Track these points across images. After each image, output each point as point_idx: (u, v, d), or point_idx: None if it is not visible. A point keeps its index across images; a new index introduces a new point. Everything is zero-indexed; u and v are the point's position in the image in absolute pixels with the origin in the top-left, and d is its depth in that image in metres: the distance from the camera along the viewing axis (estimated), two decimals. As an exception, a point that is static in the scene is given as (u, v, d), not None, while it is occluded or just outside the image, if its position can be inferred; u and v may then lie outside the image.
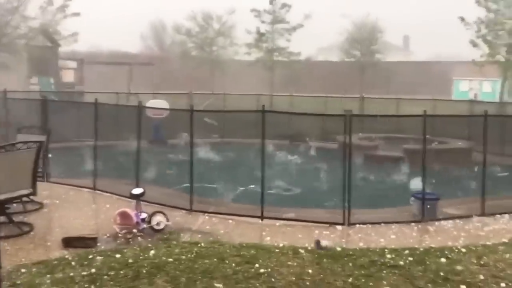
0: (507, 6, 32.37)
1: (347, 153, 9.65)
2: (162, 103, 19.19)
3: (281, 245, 7.90)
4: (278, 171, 14.42)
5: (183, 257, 7.24)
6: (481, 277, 6.71)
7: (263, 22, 39.18)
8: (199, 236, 8.50)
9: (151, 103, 18.49)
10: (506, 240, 8.43)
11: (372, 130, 19.01)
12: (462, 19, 33.18)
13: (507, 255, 7.57)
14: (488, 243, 8.30)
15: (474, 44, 33.40)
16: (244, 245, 7.88)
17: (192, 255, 7.32)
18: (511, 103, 24.03)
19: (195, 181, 10.50)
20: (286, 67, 41.08)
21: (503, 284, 6.52)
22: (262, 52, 40.97)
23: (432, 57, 56.60)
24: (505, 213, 10.10)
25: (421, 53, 62.47)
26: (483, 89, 39.14)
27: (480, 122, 10.90)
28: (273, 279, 6.52)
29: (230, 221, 9.47)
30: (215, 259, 7.16)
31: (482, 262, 7.26)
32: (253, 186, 11.69)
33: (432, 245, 8.11)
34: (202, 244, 7.86)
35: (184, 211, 9.98)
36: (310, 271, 6.83)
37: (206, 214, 9.78)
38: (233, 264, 6.99)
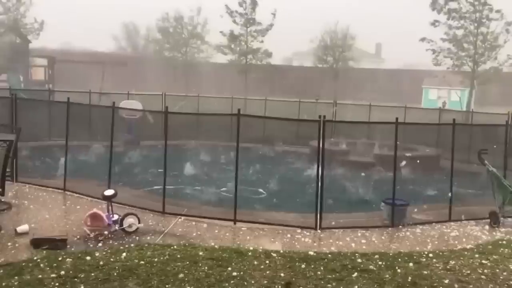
0: (471, 21, 33.41)
1: (320, 157, 9.77)
2: (135, 104, 19.01)
3: (253, 248, 7.95)
4: (252, 174, 14.48)
5: (155, 259, 7.21)
6: (447, 281, 6.91)
7: (235, 22, 39.34)
8: (172, 238, 8.46)
9: (125, 103, 18.28)
10: (471, 246, 8.69)
11: (344, 135, 19.27)
12: (423, 39, 34.10)
13: (472, 260, 7.82)
14: (454, 248, 8.55)
15: (436, 63, 34.56)
16: (217, 248, 7.91)
17: (165, 258, 7.29)
18: (477, 112, 24.76)
19: (168, 184, 10.45)
20: (259, 70, 41.29)
21: (468, 288, 6.73)
22: (236, 54, 41.10)
23: (403, 65, 57.77)
24: (471, 219, 10.40)
25: (393, 61, 63.62)
26: (451, 98, 40.20)
27: (449, 130, 11.21)
28: (245, 283, 6.56)
29: (203, 224, 9.45)
30: (187, 262, 7.16)
31: (448, 267, 7.48)
32: (225, 189, 11.72)
33: (401, 250, 8.30)
34: (175, 247, 7.84)
35: (156, 213, 9.92)
36: (282, 274, 6.90)
37: (179, 216, 9.74)
38: (206, 267, 7.00)
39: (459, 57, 34.29)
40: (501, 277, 7.12)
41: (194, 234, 8.84)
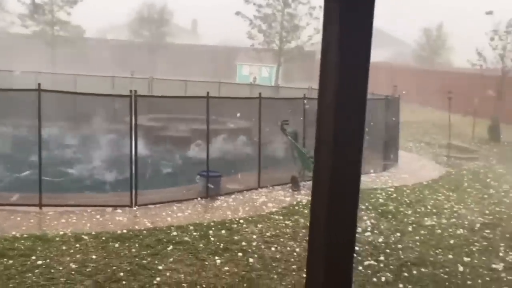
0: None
1: (132, 134, 9.53)
2: None
3: (61, 233, 7.44)
4: (61, 154, 13.47)
5: None
6: (255, 243, 7.46)
7: None
8: (-39, 232, 7.42)
9: None
10: (277, 209, 9.50)
11: (160, 111, 19.12)
12: (238, 13, 35.90)
13: (277, 222, 8.58)
14: (262, 213, 9.25)
15: (250, 36, 36.73)
16: (18, 237, 7.20)
17: (-50, 255, 6.37)
18: (283, 87, 27.01)
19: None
20: (69, 44, 38.31)
21: (273, 248, 7.37)
22: (40, 25, 37.34)
23: (219, 42, 59.40)
24: (277, 184, 11.34)
25: (209, 38, 64.90)
26: (262, 74, 42.95)
27: (257, 104, 11.96)
28: (52, 270, 6.12)
29: (2, 212, 8.48)
30: (-19, 256, 6.37)
31: (256, 230, 8.07)
32: (28, 172, 10.69)
33: (215, 219, 8.66)
34: (-36, 241, 6.90)
35: None
36: (94, 256, 6.62)
37: (-28, 206, 8.58)
38: (5, 259, 6.33)
39: (268, 35, 36.86)
40: (300, 234, 7.96)
41: (-9, 224, 7.89)
